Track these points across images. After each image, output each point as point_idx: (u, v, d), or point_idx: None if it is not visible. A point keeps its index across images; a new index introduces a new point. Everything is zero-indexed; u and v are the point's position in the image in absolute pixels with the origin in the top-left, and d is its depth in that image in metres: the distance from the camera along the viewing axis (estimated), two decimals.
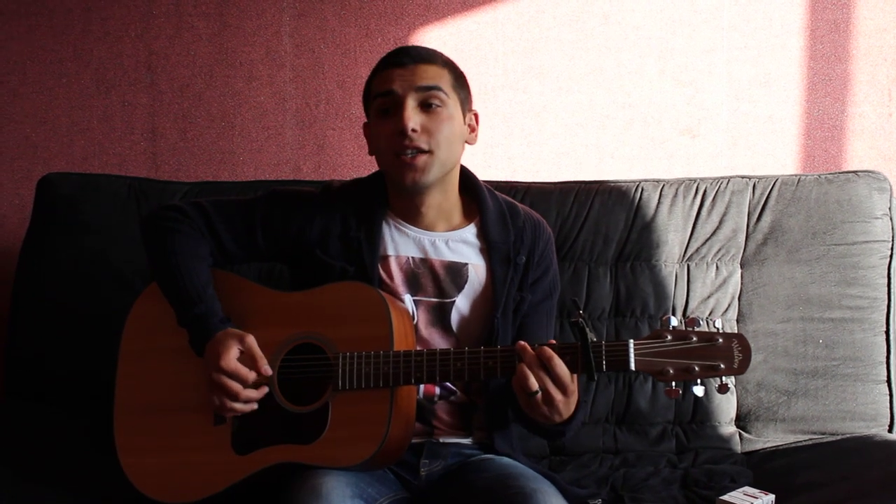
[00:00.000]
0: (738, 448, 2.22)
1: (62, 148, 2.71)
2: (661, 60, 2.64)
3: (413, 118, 1.75)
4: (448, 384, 1.84)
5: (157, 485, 1.78)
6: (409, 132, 1.74)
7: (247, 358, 1.72)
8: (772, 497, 1.87)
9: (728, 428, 2.25)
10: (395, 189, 1.86)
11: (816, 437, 2.21)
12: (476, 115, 1.88)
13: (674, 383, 1.60)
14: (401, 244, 1.86)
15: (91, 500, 1.83)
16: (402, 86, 1.76)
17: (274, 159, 2.71)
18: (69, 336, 2.28)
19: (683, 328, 1.61)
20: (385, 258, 1.85)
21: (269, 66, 2.68)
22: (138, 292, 1.91)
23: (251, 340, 1.73)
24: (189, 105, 2.69)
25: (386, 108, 1.78)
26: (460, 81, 1.84)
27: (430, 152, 1.76)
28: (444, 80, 1.79)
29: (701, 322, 1.62)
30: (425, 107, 1.77)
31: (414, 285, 1.84)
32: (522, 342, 1.63)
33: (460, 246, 1.87)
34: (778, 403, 2.24)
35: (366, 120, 1.89)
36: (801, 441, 2.21)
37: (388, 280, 1.84)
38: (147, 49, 2.68)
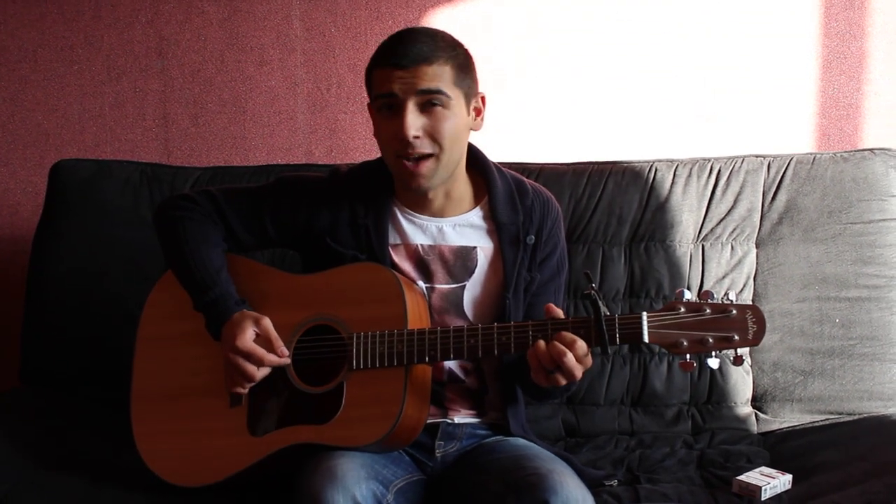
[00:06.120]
0: (755, 429, 2.21)
1: (74, 135, 2.71)
2: (675, 39, 2.62)
3: (414, 124, 1.70)
4: (456, 372, 1.85)
5: (175, 468, 1.79)
6: (411, 139, 1.70)
7: (263, 340, 1.72)
8: (789, 477, 1.86)
9: (744, 408, 2.24)
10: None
11: (833, 417, 2.20)
12: (483, 98, 1.83)
13: (688, 356, 1.60)
14: (409, 232, 1.85)
15: (109, 486, 1.83)
16: (403, 89, 1.70)
17: (286, 144, 2.70)
18: (84, 322, 2.29)
19: (697, 301, 1.60)
20: (395, 246, 1.84)
21: (279, 51, 2.67)
22: (151, 277, 1.92)
23: (267, 323, 1.73)
24: (200, 90, 2.69)
25: (388, 105, 1.73)
26: (464, 71, 1.76)
27: (434, 155, 1.73)
28: (445, 78, 1.72)
29: (715, 295, 1.61)
30: (427, 106, 1.71)
31: (425, 272, 1.84)
32: (565, 333, 1.60)
33: (467, 230, 1.86)
34: (794, 383, 2.23)
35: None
36: (817, 421, 2.20)
37: (399, 268, 1.83)
38: (157, 35, 2.68)
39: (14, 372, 2.35)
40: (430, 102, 1.71)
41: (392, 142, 1.73)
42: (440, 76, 1.72)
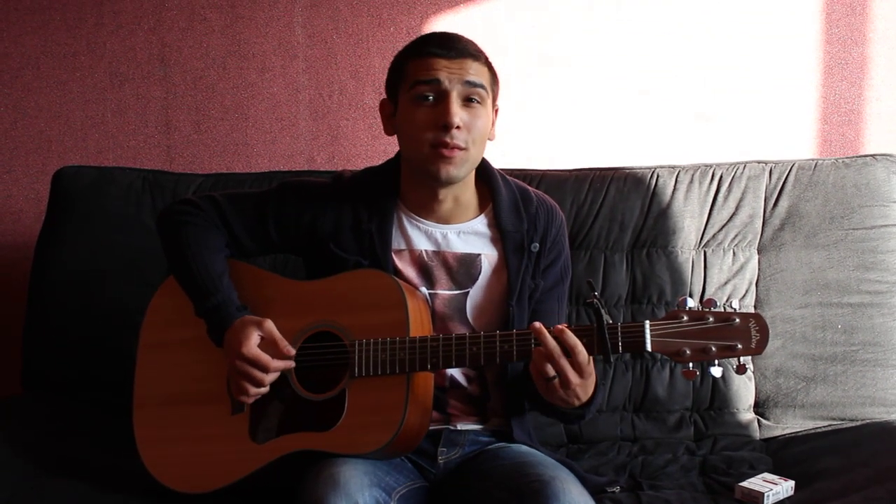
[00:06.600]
0: (757, 435, 2.21)
1: (76, 142, 2.71)
2: (676, 44, 2.63)
3: (458, 114, 1.72)
4: (458, 378, 1.85)
5: (176, 475, 1.79)
6: (454, 128, 1.72)
7: (267, 343, 1.72)
8: (791, 483, 1.86)
9: (746, 415, 2.24)
10: (413, 179, 1.84)
11: (836, 423, 2.20)
12: (496, 110, 1.85)
13: (691, 364, 1.59)
14: (413, 238, 1.85)
15: (110, 491, 1.83)
16: (449, 78, 1.73)
17: (288, 150, 2.71)
18: (85, 327, 2.29)
19: (700, 309, 1.60)
20: (398, 252, 1.84)
21: (281, 58, 2.68)
22: (154, 283, 1.92)
23: (270, 325, 1.73)
24: (202, 97, 2.70)
25: (426, 95, 1.74)
26: (494, 78, 1.82)
27: (466, 149, 1.75)
28: (485, 78, 1.77)
29: (718, 303, 1.61)
30: (466, 101, 1.74)
31: (428, 278, 1.84)
32: (538, 324, 1.60)
33: (472, 237, 1.86)
34: (797, 389, 2.23)
35: (384, 97, 1.85)
36: (820, 427, 2.20)
37: (402, 274, 1.83)
38: (160, 42, 2.68)
39: (16, 377, 2.35)
40: (469, 98, 1.74)
41: (429, 130, 1.73)
42: (482, 73, 1.77)
